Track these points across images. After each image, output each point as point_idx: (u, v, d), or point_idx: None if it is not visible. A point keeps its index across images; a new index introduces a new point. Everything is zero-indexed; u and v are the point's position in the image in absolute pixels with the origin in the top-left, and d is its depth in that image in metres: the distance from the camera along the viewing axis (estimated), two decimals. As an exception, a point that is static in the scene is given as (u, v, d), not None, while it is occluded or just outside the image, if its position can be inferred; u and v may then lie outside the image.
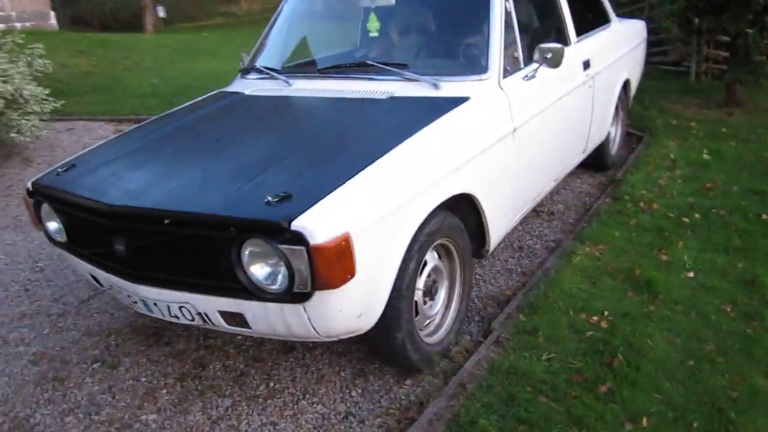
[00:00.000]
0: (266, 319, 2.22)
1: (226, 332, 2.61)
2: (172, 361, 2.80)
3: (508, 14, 3.19)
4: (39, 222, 2.76)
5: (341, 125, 2.76)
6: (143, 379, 2.69)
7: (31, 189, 2.73)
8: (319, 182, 2.21)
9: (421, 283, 2.56)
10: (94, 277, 2.65)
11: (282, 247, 2.00)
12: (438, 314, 2.77)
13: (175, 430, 2.40)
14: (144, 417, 2.47)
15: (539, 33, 3.74)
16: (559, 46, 3.14)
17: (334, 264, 2.02)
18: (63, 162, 2.90)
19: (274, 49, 3.66)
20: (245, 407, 2.50)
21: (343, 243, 2.03)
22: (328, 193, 2.12)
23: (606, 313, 2.91)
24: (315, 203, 2.07)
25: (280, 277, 2.09)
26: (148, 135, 3.06)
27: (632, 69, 5.04)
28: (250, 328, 2.30)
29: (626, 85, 4.95)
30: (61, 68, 9.27)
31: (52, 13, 14.00)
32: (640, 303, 2.99)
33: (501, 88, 2.98)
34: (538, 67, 3.19)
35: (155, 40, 14.10)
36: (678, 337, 2.72)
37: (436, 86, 2.93)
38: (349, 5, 3.70)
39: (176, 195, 2.31)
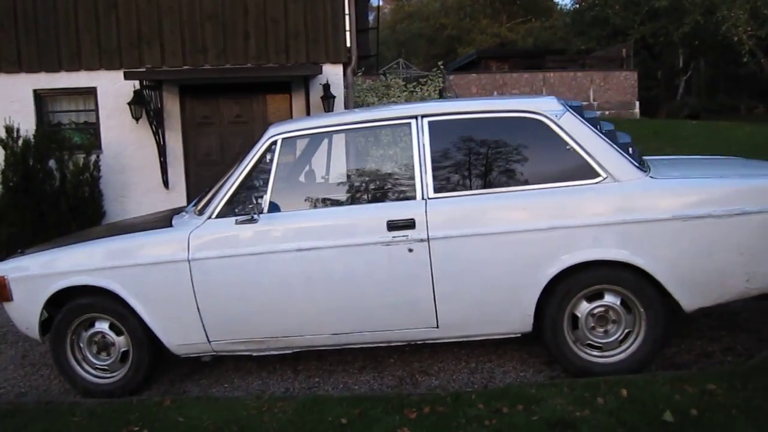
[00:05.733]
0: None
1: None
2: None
3: (265, 164, 3.71)
4: None
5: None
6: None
7: None
8: (42, 250, 4.10)
9: (84, 337, 3.94)
10: None
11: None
12: (114, 369, 3.95)
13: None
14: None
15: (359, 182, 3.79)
16: (256, 197, 3.52)
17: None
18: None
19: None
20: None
21: (2, 280, 3.92)
22: (28, 255, 4.03)
23: None
24: (15, 258, 4.04)
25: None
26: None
27: (651, 251, 3.35)
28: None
29: (650, 278, 3.45)
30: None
31: (637, 103, 15.20)
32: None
33: (195, 226, 3.74)
34: (251, 214, 3.59)
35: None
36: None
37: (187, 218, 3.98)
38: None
39: None
